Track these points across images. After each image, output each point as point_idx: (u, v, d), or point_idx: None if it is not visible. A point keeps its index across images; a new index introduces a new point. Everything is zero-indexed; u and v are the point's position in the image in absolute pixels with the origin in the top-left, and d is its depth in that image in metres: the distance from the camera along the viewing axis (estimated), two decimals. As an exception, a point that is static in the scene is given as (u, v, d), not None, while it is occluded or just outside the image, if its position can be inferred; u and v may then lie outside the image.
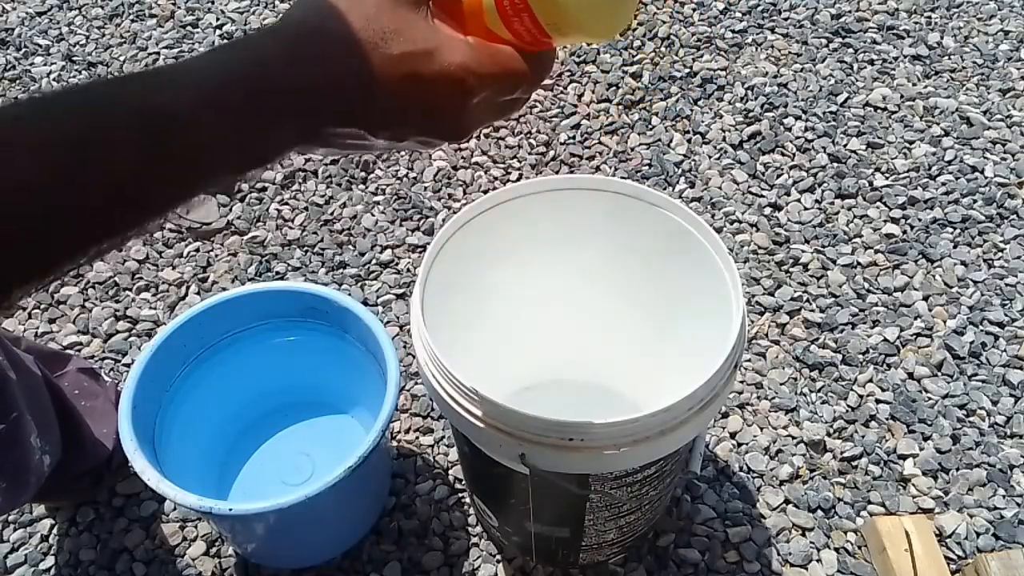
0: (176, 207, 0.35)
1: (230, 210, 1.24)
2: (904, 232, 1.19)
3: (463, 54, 0.38)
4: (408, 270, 1.16)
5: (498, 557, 0.90)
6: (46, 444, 0.77)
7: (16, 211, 0.30)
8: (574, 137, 1.32)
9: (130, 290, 1.15)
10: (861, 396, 1.02)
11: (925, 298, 1.11)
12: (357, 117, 0.38)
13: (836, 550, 0.90)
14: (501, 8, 0.39)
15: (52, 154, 0.31)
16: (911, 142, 1.30)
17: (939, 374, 1.04)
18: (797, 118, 1.33)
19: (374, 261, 1.17)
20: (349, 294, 1.05)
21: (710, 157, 1.28)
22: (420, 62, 0.37)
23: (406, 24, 0.37)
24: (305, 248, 1.19)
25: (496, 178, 1.27)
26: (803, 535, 0.91)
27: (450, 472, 0.97)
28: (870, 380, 1.03)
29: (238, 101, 0.34)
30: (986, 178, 1.24)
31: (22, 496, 0.77)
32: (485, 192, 1.20)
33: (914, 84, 1.38)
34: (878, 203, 1.22)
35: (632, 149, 1.30)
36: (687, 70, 1.41)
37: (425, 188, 1.26)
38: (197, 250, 1.20)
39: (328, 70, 0.36)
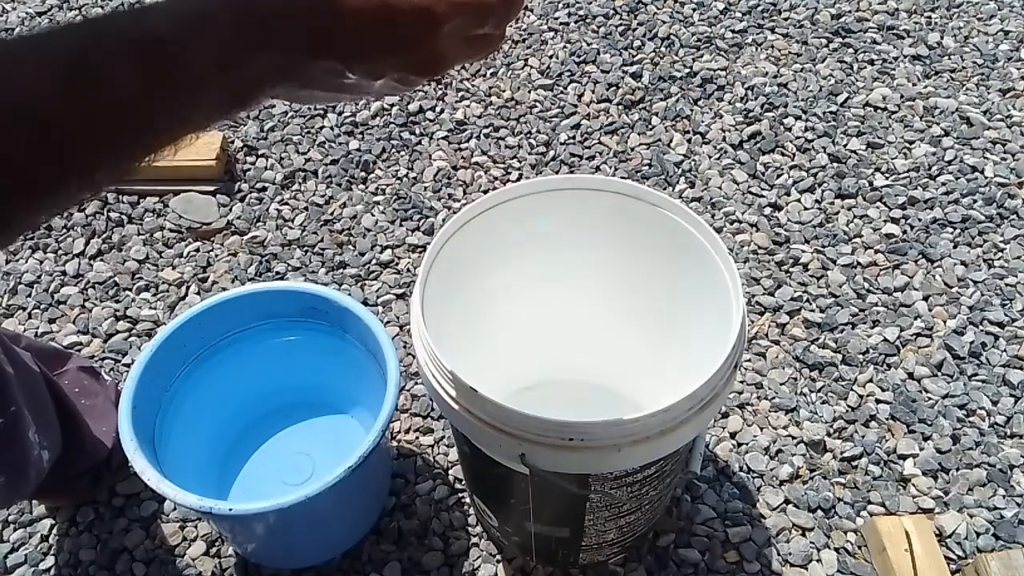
0: (171, 139, 0.37)
1: (230, 210, 1.24)
2: (904, 232, 1.19)
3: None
4: (408, 270, 1.16)
5: (498, 557, 0.90)
6: (44, 439, 0.78)
7: (23, 126, 0.32)
8: (574, 137, 1.32)
9: (130, 290, 1.15)
10: (861, 396, 1.02)
11: (925, 298, 1.11)
12: (332, 46, 0.39)
13: (836, 550, 0.90)
14: None
15: (55, 73, 0.33)
16: (911, 142, 1.30)
17: (939, 374, 1.04)
18: (797, 118, 1.33)
19: (374, 261, 1.17)
20: (349, 294, 1.05)
21: (710, 157, 1.28)
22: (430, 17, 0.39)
23: None
24: (305, 248, 1.19)
25: (496, 178, 1.27)
26: (803, 535, 0.91)
27: (450, 472, 0.97)
28: (870, 380, 1.03)
29: (220, 26, 0.36)
30: (986, 178, 1.24)
31: (23, 490, 0.77)
32: (485, 192, 1.20)
33: (914, 84, 1.38)
34: (878, 203, 1.22)
35: (632, 149, 1.30)
36: (687, 70, 1.41)
37: (425, 188, 1.26)
38: (197, 250, 1.20)
39: (305, 2, 0.38)
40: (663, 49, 1.45)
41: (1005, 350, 1.05)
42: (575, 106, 1.36)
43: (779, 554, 0.90)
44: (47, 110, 0.33)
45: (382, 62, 0.41)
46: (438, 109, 1.36)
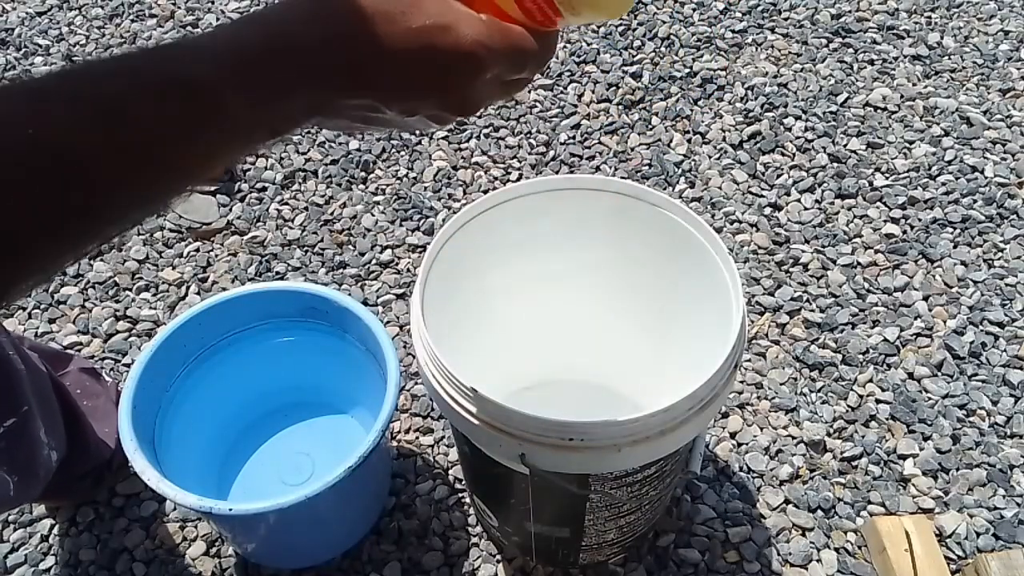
0: (201, 177, 0.36)
1: (230, 210, 1.24)
2: (904, 232, 1.19)
3: (477, 30, 0.39)
4: (408, 270, 1.16)
5: (498, 557, 0.90)
6: (52, 440, 0.78)
7: (53, 167, 0.31)
8: (574, 137, 1.32)
9: (130, 290, 1.15)
10: (861, 396, 1.02)
11: (925, 298, 1.11)
12: (371, 86, 0.38)
13: (836, 550, 0.90)
14: None
15: (89, 110, 0.32)
16: (911, 142, 1.30)
17: (939, 374, 1.04)
18: (797, 118, 1.33)
19: (374, 261, 1.17)
20: (349, 294, 1.05)
21: (710, 157, 1.28)
22: (436, 35, 0.38)
23: (444, 17, 0.38)
24: (305, 248, 1.19)
25: (496, 178, 1.27)
26: (803, 535, 0.91)
27: (450, 472, 0.97)
28: (870, 380, 1.03)
29: (258, 68, 0.36)
30: (986, 178, 1.24)
31: (33, 490, 0.77)
32: (485, 192, 1.20)
33: (914, 84, 1.38)
34: (878, 203, 1.22)
35: (632, 149, 1.30)
36: (687, 70, 1.41)
37: (425, 188, 1.26)
38: (197, 250, 1.20)
39: (348, 39, 0.37)
40: (663, 49, 1.45)
41: (1005, 350, 1.05)
42: (575, 106, 1.36)
43: (779, 554, 0.90)
44: (79, 152, 0.32)
45: (419, 102, 0.40)
46: (438, 109, 1.36)
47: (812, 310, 1.10)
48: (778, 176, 1.26)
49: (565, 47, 1.45)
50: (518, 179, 1.26)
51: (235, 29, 0.37)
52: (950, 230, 1.18)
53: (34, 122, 0.31)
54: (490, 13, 0.41)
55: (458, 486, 0.95)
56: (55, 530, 0.94)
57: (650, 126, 1.33)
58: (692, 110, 1.35)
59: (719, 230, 1.18)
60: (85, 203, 0.33)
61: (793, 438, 0.98)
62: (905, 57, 1.42)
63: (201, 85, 0.34)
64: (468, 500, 0.94)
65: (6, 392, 0.72)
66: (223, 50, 0.36)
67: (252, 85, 0.36)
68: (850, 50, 1.44)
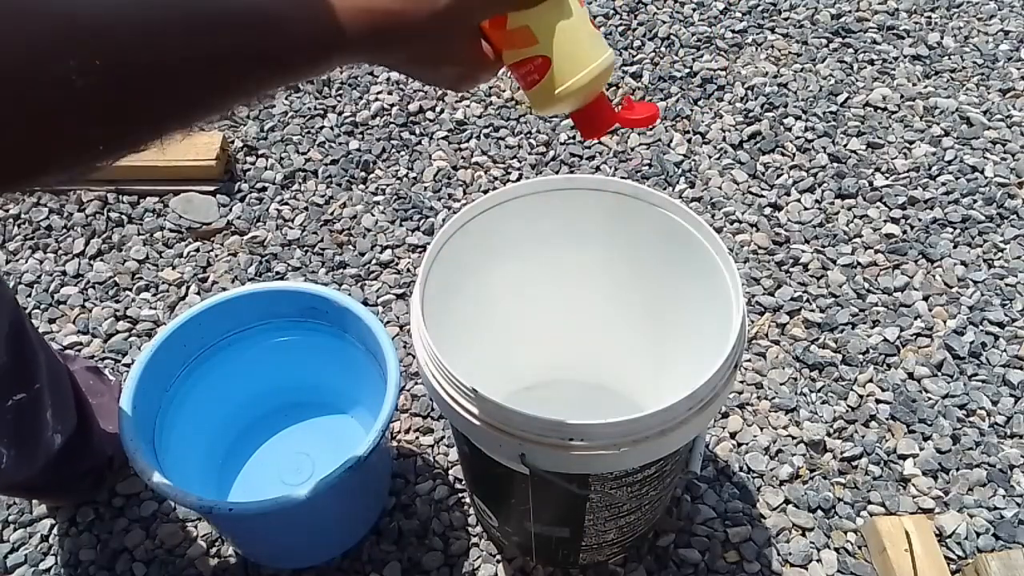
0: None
1: (230, 210, 1.24)
2: (904, 232, 1.19)
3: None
4: (408, 270, 1.16)
5: (498, 557, 0.90)
6: (59, 423, 0.79)
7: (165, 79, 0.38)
8: (574, 137, 1.32)
9: (130, 290, 1.15)
10: (861, 396, 1.02)
11: (925, 298, 1.11)
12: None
13: (836, 550, 0.90)
14: (522, 64, 0.52)
15: (209, 56, 0.39)
16: (911, 142, 1.30)
17: (939, 374, 1.04)
18: (797, 118, 1.33)
19: (374, 261, 1.17)
20: (349, 294, 1.05)
21: (710, 157, 1.28)
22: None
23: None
24: (305, 248, 1.19)
25: (496, 178, 1.27)
26: (803, 535, 0.91)
27: (450, 472, 0.97)
28: (870, 380, 1.03)
29: (365, 49, 0.46)
30: (986, 178, 1.24)
31: (26, 469, 0.78)
32: (485, 192, 1.20)
33: (914, 84, 1.38)
34: (878, 203, 1.22)
35: (632, 149, 1.30)
36: (687, 70, 1.41)
37: (425, 188, 1.26)
38: (197, 250, 1.20)
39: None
40: (663, 49, 1.45)
41: (1005, 350, 1.05)
42: (575, 106, 1.36)
43: (779, 554, 0.90)
44: (196, 84, 0.38)
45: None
46: (438, 109, 1.36)
47: (812, 310, 1.10)
48: (778, 176, 1.26)
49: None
50: (518, 179, 1.26)
51: (330, 24, 0.44)
52: (950, 230, 1.18)
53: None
54: (493, 39, 0.52)
55: (458, 486, 0.95)
56: (55, 530, 0.94)
57: (650, 126, 1.33)
58: (692, 110, 1.35)
59: (719, 230, 1.18)
60: (171, 122, 0.39)
61: (793, 438, 0.99)
62: (905, 57, 1.42)
63: (320, 61, 0.43)
64: (468, 500, 0.94)
65: (22, 367, 0.73)
66: (349, 27, 0.43)
67: (348, 60, 0.45)
68: (850, 50, 1.44)
